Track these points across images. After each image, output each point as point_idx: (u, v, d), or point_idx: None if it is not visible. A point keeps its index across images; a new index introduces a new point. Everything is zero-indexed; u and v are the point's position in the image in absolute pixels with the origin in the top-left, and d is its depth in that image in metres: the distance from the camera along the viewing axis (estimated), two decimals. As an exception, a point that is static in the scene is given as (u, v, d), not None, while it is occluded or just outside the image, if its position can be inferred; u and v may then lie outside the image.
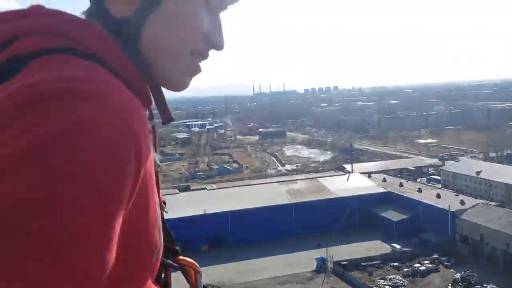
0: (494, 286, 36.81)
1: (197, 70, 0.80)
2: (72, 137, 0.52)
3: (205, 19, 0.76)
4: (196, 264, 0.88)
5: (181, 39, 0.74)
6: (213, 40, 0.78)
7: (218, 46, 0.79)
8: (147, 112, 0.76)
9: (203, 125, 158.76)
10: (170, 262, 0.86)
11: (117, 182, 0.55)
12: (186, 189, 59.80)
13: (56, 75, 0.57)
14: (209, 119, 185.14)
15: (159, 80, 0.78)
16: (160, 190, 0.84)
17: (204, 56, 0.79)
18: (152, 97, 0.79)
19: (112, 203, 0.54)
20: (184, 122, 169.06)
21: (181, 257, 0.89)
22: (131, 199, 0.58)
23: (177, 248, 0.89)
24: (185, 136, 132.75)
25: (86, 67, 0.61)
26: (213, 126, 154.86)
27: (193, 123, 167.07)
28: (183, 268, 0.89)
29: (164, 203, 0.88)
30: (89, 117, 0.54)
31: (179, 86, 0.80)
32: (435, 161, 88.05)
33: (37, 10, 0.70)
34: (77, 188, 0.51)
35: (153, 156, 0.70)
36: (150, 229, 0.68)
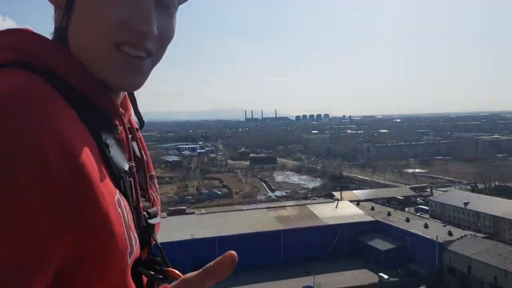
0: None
1: (134, 64, 0.72)
2: None
3: (122, 6, 0.69)
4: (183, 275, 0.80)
5: (95, 34, 0.70)
6: (137, 27, 0.70)
7: (144, 32, 0.70)
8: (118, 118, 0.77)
9: (194, 149, 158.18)
10: (153, 273, 0.81)
11: None
12: (180, 212, 59.21)
13: None
14: (200, 143, 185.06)
15: (104, 81, 0.73)
16: (148, 192, 0.85)
17: (136, 46, 0.71)
18: (114, 102, 0.76)
19: None
20: (175, 145, 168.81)
21: (170, 268, 0.83)
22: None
23: (164, 257, 0.84)
24: (175, 159, 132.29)
25: (12, 79, 0.61)
26: (204, 150, 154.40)
27: (184, 146, 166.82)
28: (171, 280, 0.82)
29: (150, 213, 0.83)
30: None
31: (124, 85, 0.74)
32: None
33: (14, 31, 0.72)
34: None
35: (116, 160, 0.70)
36: (114, 231, 0.63)
